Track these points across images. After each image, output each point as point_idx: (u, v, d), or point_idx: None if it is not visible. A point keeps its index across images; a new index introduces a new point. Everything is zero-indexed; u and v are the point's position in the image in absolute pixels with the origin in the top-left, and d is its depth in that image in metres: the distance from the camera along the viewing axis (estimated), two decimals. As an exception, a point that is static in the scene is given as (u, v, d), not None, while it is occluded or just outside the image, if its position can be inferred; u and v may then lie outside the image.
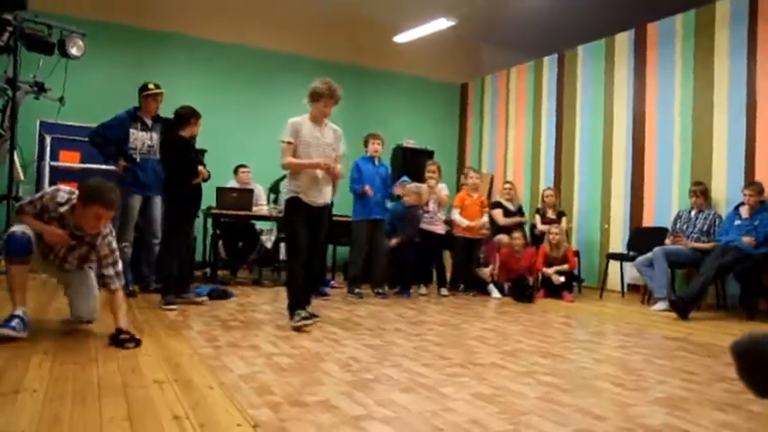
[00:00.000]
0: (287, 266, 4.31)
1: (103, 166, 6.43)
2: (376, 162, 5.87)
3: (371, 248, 5.77)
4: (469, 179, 6.45)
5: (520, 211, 7.03)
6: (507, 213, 6.82)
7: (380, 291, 5.76)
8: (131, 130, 5.13)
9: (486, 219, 6.32)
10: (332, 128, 4.25)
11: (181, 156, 4.72)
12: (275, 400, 2.30)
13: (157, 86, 5.29)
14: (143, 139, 5.17)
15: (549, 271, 6.10)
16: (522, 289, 5.89)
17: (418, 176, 6.60)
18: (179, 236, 4.65)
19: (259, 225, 6.83)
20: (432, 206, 6.17)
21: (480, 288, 6.23)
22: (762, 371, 1.83)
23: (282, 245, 6.76)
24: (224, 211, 6.11)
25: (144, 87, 5.25)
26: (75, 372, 2.57)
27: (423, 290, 6.13)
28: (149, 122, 5.24)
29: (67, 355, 2.86)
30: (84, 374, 2.54)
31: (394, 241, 5.92)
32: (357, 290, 5.66)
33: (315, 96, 4.08)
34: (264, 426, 2.01)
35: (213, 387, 2.44)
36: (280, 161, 4.14)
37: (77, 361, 2.76)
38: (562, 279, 6.04)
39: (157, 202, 5.20)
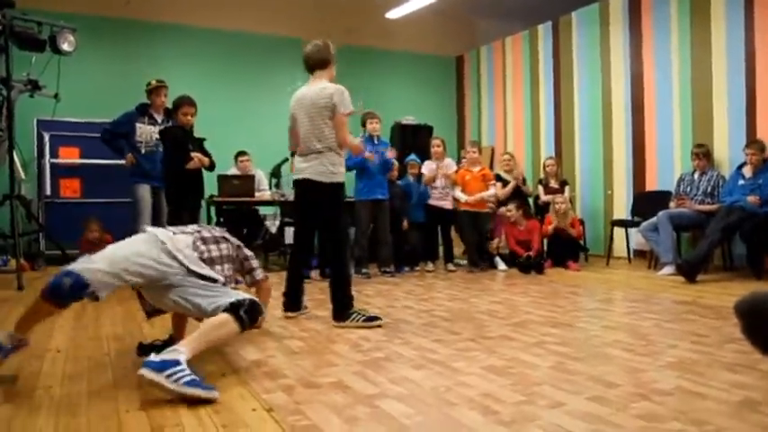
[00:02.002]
0: (341, 260, 3.63)
1: (105, 161, 6.45)
2: (375, 141, 5.84)
3: (375, 228, 5.77)
4: (467, 154, 6.44)
5: (524, 185, 7.00)
6: (506, 185, 6.75)
7: (387, 270, 5.77)
8: (138, 124, 5.51)
9: (492, 191, 6.26)
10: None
11: (172, 143, 4.89)
12: (288, 383, 2.32)
13: (159, 81, 5.50)
14: (150, 133, 5.52)
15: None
16: (527, 266, 5.88)
17: (421, 153, 6.60)
18: (178, 223, 4.70)
19: (262, 210, 6.85)
20: (439, 182, 6.18)
21: (489, 262, 6.22)
22: (766, 328, 1.84)
23: (288, 229, 6.78)
24: (226, 199, 6.12)
25: (148, 84, 5.51)
26: (90, 367, 2.59)
27: (429, 266, 6.14)
28: (159, 117, 5.54)
29: (81, 351, 2.89)
30: (98, 369, 2.56)
31: (406, 224, 6.05)
32: (364, 270, 5.67)
33: (333, 59, 3.70)
34: (279, 409, 2.02)
35: (226, 373, 2.46)
36: (338, 136, 3.59)
37: (91, 356, 2.78)
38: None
39: (164, 194, 5.32)
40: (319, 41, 3.69)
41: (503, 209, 6.38)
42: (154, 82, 5.51)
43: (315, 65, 3.68)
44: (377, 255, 5.86)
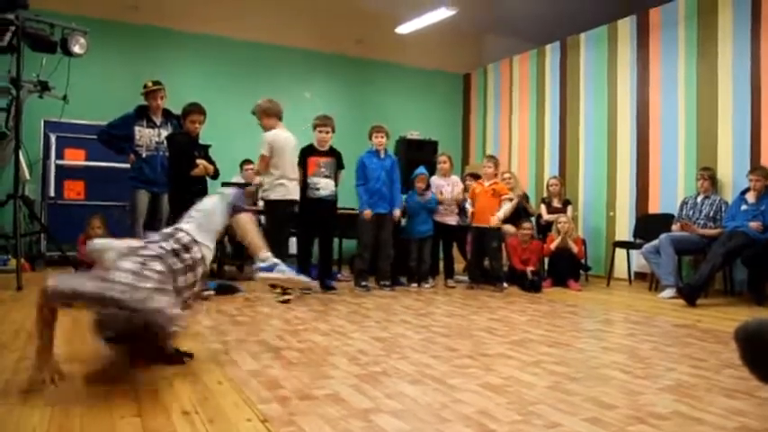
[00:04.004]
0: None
1: (109, 164, 6.48)
2: (381, 155, 5.83)
3: (378, 242, 5.75)
4: (482, 169, 6.26)
5: (527, 202, 6.98)
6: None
7: (386, 283, 5.76)
8: (137, 128, 5.41)
9: (507, 206, 5.94)
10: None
11: (177, 149, 4.97)
12: (284, 394, 2.31)
13: (156, 83, 5.44)
14: (149, 136, 5.43)
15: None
16: (526, 284, 5.86)
17: (425, 168, 6.59)
18: None
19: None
20: (444, 198, 6.17)
21: (490, 280, 6.02)
22: (765, 356, 1.83)
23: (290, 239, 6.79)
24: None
25: (144, 86, 5.46)
26: (84, 371, 2.59)
27: (430, 282, 6.12)
28: (157, 120, 5.44)
29: (75, 355, 2.88)
30: (93, 374, 2.55)
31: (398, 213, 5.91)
32: (364, 282, 5.65)
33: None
34: (274, 420, 2.01)
35: (222, 382, 2.45)
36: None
37: (85, 360, 2.77)
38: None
39: (164, 199, 5.32)
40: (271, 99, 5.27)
41: (508, 227, 6.29)
42: (150, 84, 5.44)
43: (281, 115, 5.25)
44: (377, 268, 5.83)
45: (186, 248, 2.66)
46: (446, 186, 6.25)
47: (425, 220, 6.07)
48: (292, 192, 5.22)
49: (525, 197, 7.01)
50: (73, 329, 3.44)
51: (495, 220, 5.85)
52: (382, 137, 5.82)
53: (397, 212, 5.82)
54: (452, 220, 6.23)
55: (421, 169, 6.22)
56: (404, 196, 6.18)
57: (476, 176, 6.56)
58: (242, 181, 6.67)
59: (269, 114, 5.16)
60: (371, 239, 5.70)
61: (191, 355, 2.76)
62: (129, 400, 2.18)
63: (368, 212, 5.63)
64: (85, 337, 3.23)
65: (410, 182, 6.16)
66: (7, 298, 4.41)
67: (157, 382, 2.41)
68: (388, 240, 5.77)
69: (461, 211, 6.32)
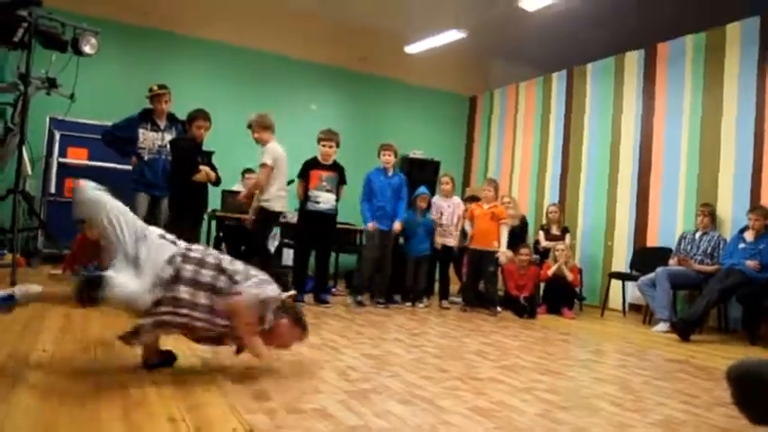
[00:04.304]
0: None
1: (111, 165, 6.48)
2: (389, 172, 5.82)
3: (379, 258, 5.72)
4: (482, 192, 6.29)
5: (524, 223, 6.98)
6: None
7: (381, 300, 5.74)
8: (140, 130, 5.43)
9: (505, 233, 5.97)
10: None
11: (180, 154, 4.98)
12: (272, 406, 2.29)
13: (161, 87, 5.48)
14: (153, 139, 5.45)
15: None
16: (520, 310, 5.86)
17: (427, 188, 6.59)
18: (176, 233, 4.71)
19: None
20: (445, 219, 6.17)
21: (485, 303, 6.00)
22: (756, 397, 1.83)
23: (285, 251, 6.78)
24: (228, 215, 6.12)
25: (149, 90, 5.50)
26: (74, 370, 2.57)
27: (424, 302, 6.09)
28: (162, 123, 5.47)
29: (66, 354, 2.86)
30: (83, 373, 2.53)
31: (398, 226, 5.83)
32: (359, 297, 5.64)
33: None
34: (260, 431, 2.00)
35: (210, 390, 2.43)
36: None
37: (76, 358, 2.76)
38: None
39: (164, 203, 5.33)
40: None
41: (506, 251, 6.21)
42: (155, 87, 5.47)
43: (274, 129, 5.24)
44: (374, 284, 5.81)
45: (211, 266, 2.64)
46: (447, 207, 6.26)
47: (423, 240, 6.05)
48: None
49: (523, 220, 7.02)
50: (63, 329, 3.42)
51: (503, 257, 5.93)
52: (390, 155, 5.81)
53: (397, 225, 5.76)
54: (452, 241, 6.23)
55: (423, 189, 6.20)
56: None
57: (475, 199, 6.57)
58: (242, 189, 6.67)
59: (265, 127, 5.18)
60: (373, 254, 5.66)
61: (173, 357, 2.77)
62: (116, 402, 2.17)
63: (372, 225, 5.63)
64: (76, 335, 3.22)
65: (412, 201, 6.14)
66: None
67: (145, 387, 2.39)
68: (387, 257, 5.76)
69: (463, 232, 6.31)
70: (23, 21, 4.88)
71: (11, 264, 4.84)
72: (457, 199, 6.49)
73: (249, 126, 5.24)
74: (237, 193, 6.41)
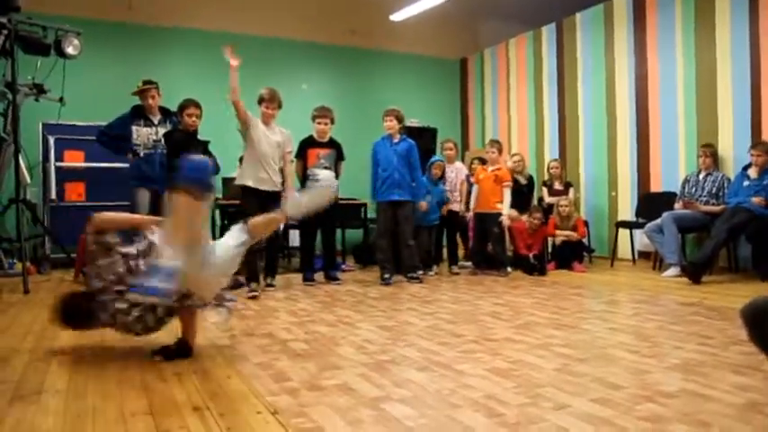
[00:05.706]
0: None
1: (109, 165, 6.48)
2: (395, 139, 5.60)
3: (396, 231, 5.48)
4: (486, 153, 6.21)
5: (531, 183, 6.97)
6: (518, 186, 6.58)
7: (414, 276, 5.46)
8: (134, 127, 5.44)
9: (507, 195, 5.89)
10: (280, 129, 5.05)
11: (173, 146, 4.95)
12: (293, 385, 2.32)
13: (147, 82, 5.47)
14: (147, 135, 5.46)
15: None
16: (530, 268, 5.89)
17: (426, 155, 6.54)
18: None
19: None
20: (448, 184, 6.16)
21: (494, 265, 5.97)
22: None
23: (291, 232, 6.79)
24: (231, 202, 6.13)
25: (136, 87, 5.49)
26: (95, 369, 2.60)
27: (434, 269, 6.11)
28: (155, 118, 5.47)
29: (86, 353, 2.90)
30: (104, 371, 2.56)
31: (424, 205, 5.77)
32: (387, 275, 5.36)
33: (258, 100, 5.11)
34: (284, 412, 2.03)
35: (231, 376, 2.46)
36: None
37: (96, 357, 2.79)
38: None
39: (165, 197, 5.32)
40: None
41: (512, 211, 6.14)
42: (140, 84, 5.45)
43: None
44: (399, 259, 5.59)
45: None
46: (450, 173, 6.24)
47: (435, 210, 6.00)
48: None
49: (530, 178, 6.99)
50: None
51: (507, 220, 5.87)
52: (390, 120, 5.58)
53: (423, 204, 5.65)
54: (457, 206, 6.23)
55: (437, 157, 6.15)
56: None
57: (483, 161, 6.50)
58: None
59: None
60: (385, 226, 5.49)
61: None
62: (140, 396, 2.20)
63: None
64: (95, 334, 3.25)
65: (427, 168, 6.03)
66: (16, 301, 4.43)
67: (167, 379, 2.42)
68: (406, 230, 5.46)
69: (469, 197, 6.27)
70: (3, 28, 4.83)
71: (21, 272, 4.88)
72: (459, 164, 6.47)
73: (280, 104, 5.19)
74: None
